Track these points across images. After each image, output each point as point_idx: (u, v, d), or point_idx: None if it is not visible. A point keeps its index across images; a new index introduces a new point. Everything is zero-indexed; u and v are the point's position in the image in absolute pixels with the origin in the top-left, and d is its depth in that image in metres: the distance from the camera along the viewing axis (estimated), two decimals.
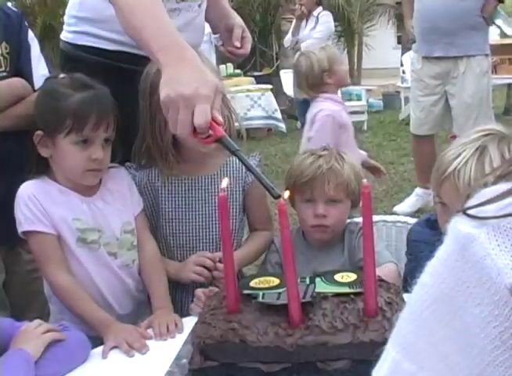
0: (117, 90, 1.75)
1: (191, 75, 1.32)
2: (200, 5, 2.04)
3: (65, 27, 2.08)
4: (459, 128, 4.57)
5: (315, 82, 3.32)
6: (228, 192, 1.87)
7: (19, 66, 1.98)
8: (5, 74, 1.94)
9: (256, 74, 11.12)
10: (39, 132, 1.67)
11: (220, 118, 1.31)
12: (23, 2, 13.34)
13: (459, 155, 1.54)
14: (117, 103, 1.72)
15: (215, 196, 1.82)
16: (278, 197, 1.20)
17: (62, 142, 1.65)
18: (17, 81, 1.95)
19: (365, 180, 1.17)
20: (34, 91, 1.94)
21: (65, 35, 2.07)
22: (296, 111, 7.27)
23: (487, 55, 4.63)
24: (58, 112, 1.64)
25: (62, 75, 1.75)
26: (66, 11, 2.08)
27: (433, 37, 4.48)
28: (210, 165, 1.90)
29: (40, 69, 2.02)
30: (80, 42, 2.01)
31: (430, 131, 4.87)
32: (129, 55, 1.95)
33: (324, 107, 3.25)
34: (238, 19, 2.17)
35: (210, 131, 1.30)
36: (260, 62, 13.02)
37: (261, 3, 14.24)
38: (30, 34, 2.05)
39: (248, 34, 2.14)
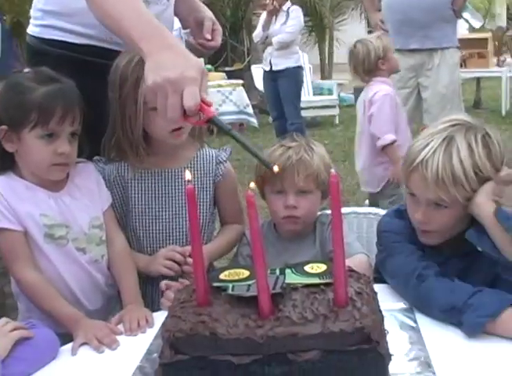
0: (85, 84, 1.72)
1: (176, 60, 1.32)
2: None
3: (31, 20, 2.04)
4: (433, 120, 4.57)
5: (370, 68, 3.83)
6: (198, 185, 1.86)
7: None
8: None
9: (227, 69, 11.10)
10: (3, 127, 1.64)
11: (208, 99, 1.30)
12: None
13: (427, 145, 1.54)
14: (84, 96, 1.70)
15: (185, 189, 1.80)
16: (278, 172, 1.23)
17: (27, 136, 1.62)
18: None
19: (333, 170, 1.16)
20: None
21: (31, 29, 2.03)
22: (267, 106, 7.26)
23: (458, 47, 4.71)
24: (22, 106, 1.61)
25: (26, 69, 1.72)
26: (33, 5, 2.04)
27: (408, 30, 4.48)
28: (180, 158, 1.89)
29: None
30: (46, 36, 1.97)
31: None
32: (97, 48, 1.93)
33: (381, 89, 3.75)
34: (208, 13, 2.16)
35: (200, 113, 1.29)
36: (231, 57, 12.97)
37: None
38: None
39: (219, 27, 2.13)
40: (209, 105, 1.29)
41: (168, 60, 1.31)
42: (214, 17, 2.15)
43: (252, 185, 1.15)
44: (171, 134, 1.77)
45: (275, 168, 1.25)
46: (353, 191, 5.46)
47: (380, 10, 4.88)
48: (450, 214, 1.55)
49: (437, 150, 1.52)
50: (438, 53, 4.57)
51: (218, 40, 2.11)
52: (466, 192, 1.50)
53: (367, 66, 3.84)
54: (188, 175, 1.22)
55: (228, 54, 12.95)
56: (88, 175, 1.78)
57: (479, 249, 1.51)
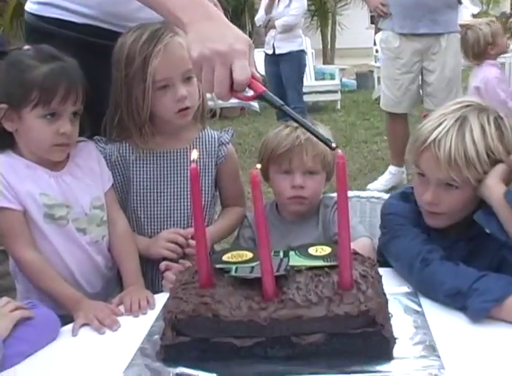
0: (85, 63, 1.69)
1: (222, 31, 1.25)
2: None
3: None
4: (438, 104, 4.57)
5: (479, 53, 4.39)
6: (200, 166, 1.83)
7: None
8: None
9: None
10: (3, 106, 1.60)
11: (257, 74, 1.24)
12: None
13: (440, 125, 1.53)
14: (84, 76, 1.67)
15: (187, 170, 1.78)
16: (335, 148, 1.16)
17: (28, 115, 1.59)
18: None
19: (339, 150, 1.14)
20: None
21: (29, 6, 1.99)
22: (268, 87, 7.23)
23: (459, 32, 4.71)
24: (23, 84, 1.57)
25: (26, 47, 1.68)
26: None
27: (417, 14, 4.48)
28: (183, 139, 1.86)
29: None
30: (45, 14, 1.93)
31: (408, 110, 4.89)
32: (98, 29, 1.90)
33: (491, 70, 4.35)
34: None
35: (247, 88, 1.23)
36: None
37: None
38: None
39: (221, 10, 2.09)
40: (258, 80, 1.23)
41: (214, 31, 1.24)
42: (216, 1, 2.12)
43: (258, 166, 1.13)
44: (177, 114, 1.74)
45: (334, 145, 1.19)
46: (354, 176, 5.44)
47: None
48: (459, 195, 1.54)
49: (450, 129, 1.50)
50: (444, 37, 4.60)
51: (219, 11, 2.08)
52: (477, 173, 1.49)
53: (476, 51, 4.39)
54: (194, 154, 1.20)
55: None
56: (89, 154, 1.76)
57: (487, 231, 1.50)
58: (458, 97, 4.63)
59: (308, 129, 1.23)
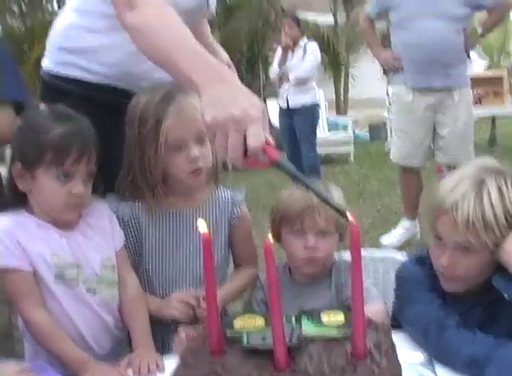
0: (99, 121, 1.70)
1: (237, 96, 1.23)
2: None
3: (46, 54, 2.04)
4: (451, 158, 4.62)
5: None
6: (213, 226, 1.82)
7: None
8: None
9: None
10: (18, 165, 1.62)
11: (271, 140, 1.22)
12: (16, 35, 13.36)
13: (457, 188, 1.51)
14: (98, 134, 1.67)
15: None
16: (349, 218, 1.13)
17: (41, 175, 1.60)
18: None
19: (353, 220, 1.12)
20: None
21: (46, 65, 2.03)
22: (282, 142, 7.25)
23: (470, 86, 4.77)
24: (38, 145, 1.58)
25: (42, 106, 1.70)
26: (49, 40, 2.03)
27: (432, 69, 4.50)
28: (196, 198, 1.85)
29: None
30: (61, 72, 1.97)
31: (421, 164, 4.86)
32: (113, 88, 1.93)
33: None
34: (224, 55, 2.16)
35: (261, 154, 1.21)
36: None
37: (248, 33, 14.34)
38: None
39: (234, 71, 2.12)
40: (272, 146, 1.22)
41: (227, 96, 1.23)
42: (229, 60, 2.15)
43: (270, 236, 1.12)
44: (190, 175, 1.74)
45: (349, 217, 1.15)
46: (367, 230, 5.39)
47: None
48: (477, 259, 1.51)
49: (467, 192, 1.49)
50: (457, 91, 4.60)
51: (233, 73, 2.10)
52: (495, 237, 1.46)
53: None
54: (203, 227, 1.19)
55: None
56: (100, 213, 1.75)
57: (505, 297, 1.47)
58: (470, 151, 4.67)
59: (322, 199, 1.21)
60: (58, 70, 1.98)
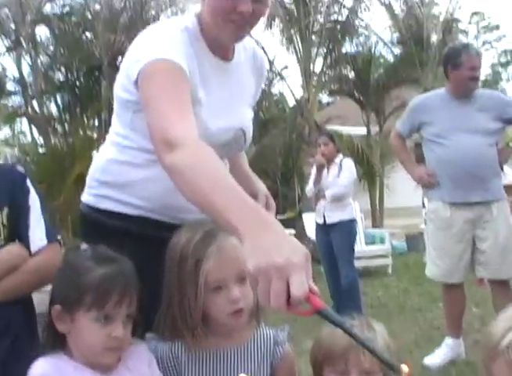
0: (138, 256, 1.70)
1: (279, 242, 1.21)
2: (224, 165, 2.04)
3: (86, 189, 2.07)
4: (493, 272, 4.55)
5: None
6: (255, 368, 1.76)
7: (17, 231, 1.93)
8: (2, 242, 1.89)
9: (279, 217, 11.21)
10: (57, 307, 1.60)
11: (315, 287, 1.19)
12: (58, 152, 13.83)
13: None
14: (136, 269, 1.67)
15: (241, 369, 1.72)
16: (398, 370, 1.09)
17: (81, 318, 1.57)
18: (15, 249, 1.90)
19: (405, 367, 1.07)
20: (31, 256, 1.90)
21: (86, 198, 2.06)
22: (319, 254, 7.19)
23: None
24: (79, 287, 1.57)
25: (84, 246, 1.71)
26: (89, 174, 2.08)
27: (470, 184, 4.50)
28: (237, 338, 1.80)
29: (37, 234, 1.95)
30: (100, 205, 1.99)
31: (461, 279, 4.75)
32: (151, 220, 1.93)
33: None
34: (261, 186, 2.16)
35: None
36: (283, 205, 13.16)
37: (283, 147, 14.63)
38: (32, 194, 1.99)
39: (272, 201, 2.12)
40: (316, 294, 1.18)
41: (270, 243, 1.20)
42: (267, 191, 2.15)
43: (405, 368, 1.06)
44: (231, 316, 1.70)
45: (405, 369, 1.12)
46: (409, 349, 5.22)
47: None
48: None
49: None
50: (495, 205, 4.56)
51: (272, 215, 2.09)
52: None
53: None
54: None
55: (280, 202, 13.15)
56: (139, 356, 1.70)
57: None
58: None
59: (369, 350, 1.17)
60: (96, 202, 2.01)
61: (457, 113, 4.56)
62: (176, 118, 1.58)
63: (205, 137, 1.59)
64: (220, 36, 1.87)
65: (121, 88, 1.91)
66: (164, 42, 1.78)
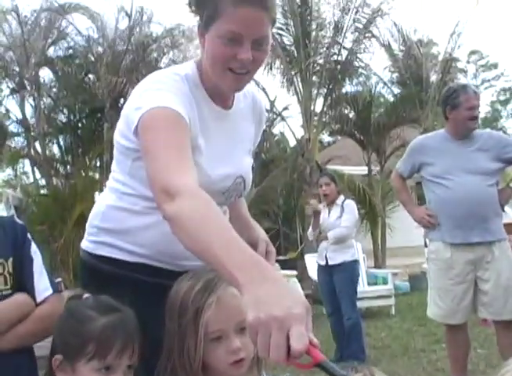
0: (138, 303, 1.70)
1: (279, 294, 1.20)
2: (224, 213, 2.04)
3: (86, 235, 2.08)
4: (496, 313, 4.49)
5: None
6: None
7: (22, 281, 1.94)
8: (9, 291, 1.89)
9: (281, 258, 11.17)
10: (58, 356, 1.59)
11: (315, 340, 1.17)
12: (60, 193, 13.85)
13: None
14: (138, 317, 1.66)
15: None
16: None
17: (82, 368, 1.56)
18: (22, 298, 1.90)
19: None
20: (36, 306, 1.90)
21: (85, 244, 2.06)
22: (321, 297, 7.15)
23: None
24: (80, 336, 1.56)
25: (86, 295, 1.70)
26: (88, 220, 2.08)
27: (470, 224, 4.46)
28: None
29: (41, 284, 1.96)
30: (99, 252, 1.99)
31: (462, 320, 4.71)
32: (151, 268, 1.93)
33: None
34: (262, 233, 2.16)
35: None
36: (284, 245, 13.13)
37: (284, 187, 14.65)
38: (33, 246, 2.02)
39: (272, 248, 2.12)
40: (316, 346, 1.17)
41: (270, 294, 1.19)
42: (267, 238, 2.15)
43: None
44: (232, 366, 1.68)
45: None
46: None
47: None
48: None
49: None
50: (496, 245, 4.52)
51: (272, 262, 2.08)
52: None
53: None
54: None
55: (282, 242, 13.13)
56: None
57: None
58: None
59: None
60: (95, 249, 2.01)
61: (457, 153, 4.57)
62: (176, 167, 1.58)
63: (205, 184, 1.59)
64: (219, 84, 1.89)
65: (121, 135, 1.93)
66: (164, 90, 1.79)
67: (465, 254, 4.53)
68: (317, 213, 6.81)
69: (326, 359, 1.17)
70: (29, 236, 2.02)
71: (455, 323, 4.69)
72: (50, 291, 1.94)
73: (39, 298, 1.91)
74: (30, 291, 1.92)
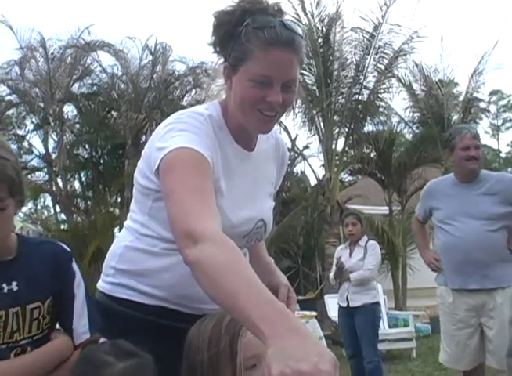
0: (154, 346, 1.65)
1: (305, 348, 1.14)
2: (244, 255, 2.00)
3: (102, 276, 2.04)
4: (500, 362, 4.31)
5: None
6: None
7: (60, 319, 1.89)
8: (41, 335, 1.84)
9: (300, 298, 11.01)
10: None
11: None
12: (80, 229, 13.91)
13: None
14: (156, 363, 1.61)
15: None
16: None
17: None
18: (62, 346, 1.85)
19: None
20: (75, 349, 1.85)
21: (101, 285, 2.02)
22: (341, 338, 7.03)
23: None
24: None
25: (102, 340, 1.66)
26: (105, 261, 2.05)
27: (468, 270, 4.38)
28: None
29: (80, 326, 1.90)
30: (116, 294, 1.95)
31: (469, 367, 4.57)
32: (168, 310, 1.89)
33: None
34: (283, 279, 2.11)
35: None
36: (304, 285, 13.02)
37: (304, 226, 14.58)
38: (77, 278, 1.93)
39: (294, 294, 2.07)
40: None
41: (297, 348, 1.14)
42: (289, 284, 2.10)
43: None
44: None
45: None
46: None
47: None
48: None
49: None
50: (498, 293, 4.39)
51: (293, 308, 2.03)
52: None
53: None
54: None
55: (301, 282, 13.02)
56: None
57: None
58: None
59: None
60: (112, 291, 1.97)
61: (461, 197, 4.50)
62: (200, 211, 1.53)
63: (226, 228, 1.56)
64: (247, 125, 1.87)
65: (141, 175, 1.90)
66: (187, 131, 1.76)
67: (465, 300, 4.45)
68: (342, 266, 6.74)
69: None
70: (74, 266, 1.94)
71: (464, 369, 4.58)
72: (88, 336, 1.88)
73: (77, 342, 1.87)
74: (68, 332, 1.88)
